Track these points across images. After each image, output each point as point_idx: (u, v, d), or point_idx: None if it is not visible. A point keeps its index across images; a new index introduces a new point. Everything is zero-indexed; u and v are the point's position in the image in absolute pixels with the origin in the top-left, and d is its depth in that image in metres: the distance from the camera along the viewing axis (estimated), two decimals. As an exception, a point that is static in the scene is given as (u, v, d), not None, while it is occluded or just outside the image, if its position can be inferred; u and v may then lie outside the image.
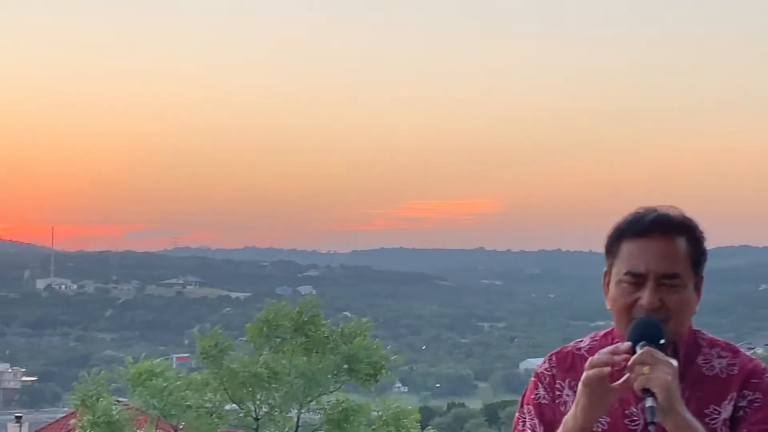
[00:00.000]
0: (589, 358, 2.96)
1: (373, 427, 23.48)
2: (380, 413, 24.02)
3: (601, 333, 3.32)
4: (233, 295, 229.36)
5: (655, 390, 2.82)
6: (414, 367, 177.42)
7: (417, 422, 24.21)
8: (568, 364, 3.25)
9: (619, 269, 3.12)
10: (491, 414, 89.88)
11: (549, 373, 3.26)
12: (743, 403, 3.11)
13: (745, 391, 3.12)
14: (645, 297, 3.04)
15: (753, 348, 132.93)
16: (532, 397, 3.24)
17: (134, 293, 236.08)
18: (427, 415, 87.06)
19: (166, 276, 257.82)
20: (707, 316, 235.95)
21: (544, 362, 3.30)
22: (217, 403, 24.00)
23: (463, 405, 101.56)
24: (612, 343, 3.13)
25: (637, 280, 3.07)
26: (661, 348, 2.93)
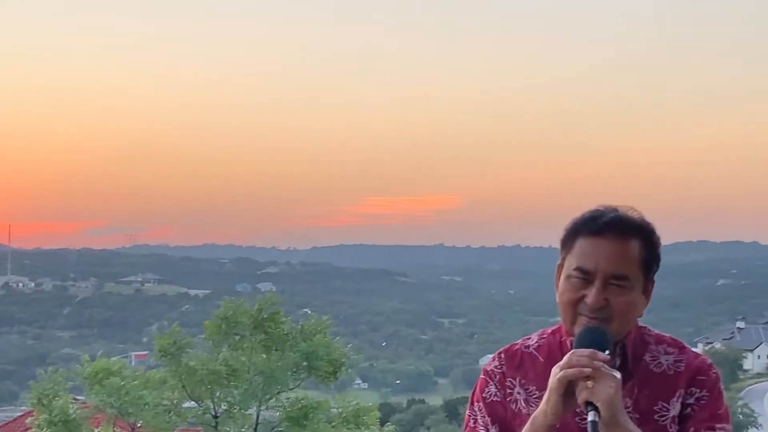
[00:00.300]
0: (567, 357, 2.91)
1: (332, 424, 23.42)
2: (340, 410, 23.98)
3: (549, 330, 3.32)
4: (192, 292, 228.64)
5: (598, 404, 2.82)
6: (374, 364, 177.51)
7: (376, 419, 24.20)
8: (518, 361, 3.24)
9: (570, 264, 3.13)
10: (451, 410, 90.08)
11: (499, 370, 3.24)
12: (691, 401, 3.13)
13: (692, 388, 3.14)
14: (591, 295, 3.05)
15: (711, 343, 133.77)
16: (483, 395, 3.23)
17: (92, 291, 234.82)
18: (387, 411, 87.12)
19: (124, 273, 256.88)
20: (666, 311, 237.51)
21: (494, 360, 3.27)
22: (176, 401, 23.85)
23: (423, 401, 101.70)
24: (561, 341, 3.21)
25: (586, 276, 3.07)
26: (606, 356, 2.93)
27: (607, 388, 2.82)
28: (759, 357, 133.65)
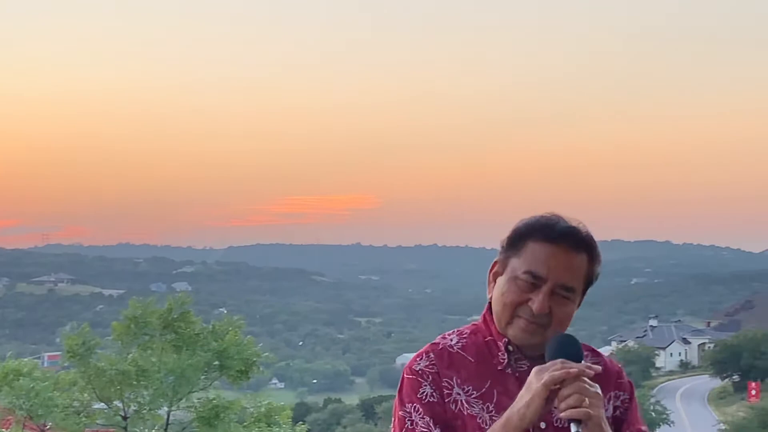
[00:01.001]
0: (560, 364, 2.88)
1: (244, 423, 23.32)
2: (252, 410, 23.88)
3: (467, 330, 3.27)
4: (106, 292, 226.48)
5: (588, 423, 2.83)
6: (291, 363, 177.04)
7: (288, 418, 24.12)
8: (448, 361, 3.18)
9: (518, 266, 3.12)
10: (368, 409, 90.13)
11: (431, 370, 3.15)
12: (617, 403, 3.21)
13: (617, 391, 3.22)
14: (537, 301, 3.06)
15: (625, 341, 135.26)
16: (417, 396, 3.12)
17: (4, 291, 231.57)
18: (303, 411, 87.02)
19: (37, 273, 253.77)
20: (580, 310, 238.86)
21: (422, 359, 3.18)
22: (85, 402, 23.55)
23: (339, 400, 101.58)
24: (484, 341, 3.19)
25: (535, 281, 3.08)
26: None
27: (597, 408, 2.85)
28: (671, 355, 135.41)
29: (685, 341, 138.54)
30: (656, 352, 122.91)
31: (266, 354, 24.39)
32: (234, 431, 22.39)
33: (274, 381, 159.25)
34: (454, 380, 3.13)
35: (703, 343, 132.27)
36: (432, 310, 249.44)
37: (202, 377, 23.59)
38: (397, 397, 3.18)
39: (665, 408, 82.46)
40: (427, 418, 3.08)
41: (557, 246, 3.10)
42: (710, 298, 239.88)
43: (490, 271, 3.22)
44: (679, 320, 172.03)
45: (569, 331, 3.13)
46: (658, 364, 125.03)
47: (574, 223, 3.16)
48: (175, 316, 23.59)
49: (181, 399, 23.26)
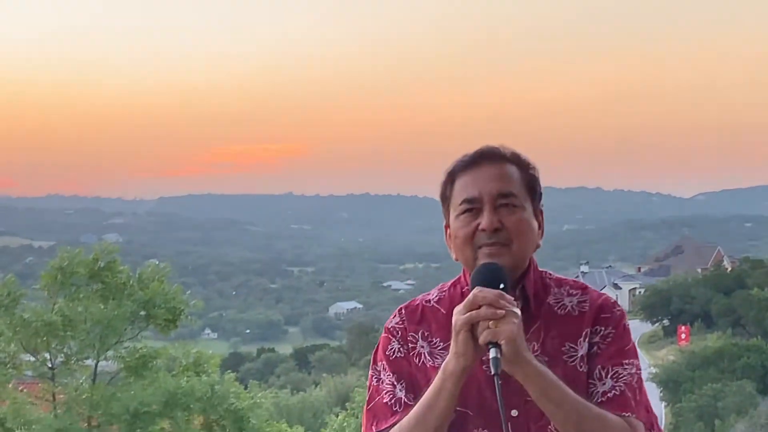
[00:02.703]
0: (472, 296, 2.83)
1: (173, 372, 23.21)
2: (180, 359, 23.78)
3: (448, 284, 3.26)
4: (36, 244, 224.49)
5: (501, 342, 2.77)
6: (223, 314, 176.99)
7: (217, 367, 24.06)
8: (419, 316, 3.19)
9: (455, 204, 3.10)
10: (301, 358, 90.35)
11: (401, 326, 3.17)
12: (596, 339, 3.10)
13: (597, 327, 3.11)
14: (484, 219, 3.01)
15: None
16: (386, 353, 3.16)
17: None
18: (236, 360, 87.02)
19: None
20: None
21: (394, 317, 3.20)
22: (12, 353, 23.29)
23: (273, 350, 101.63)
24: (461, 293, 3.14)
25: (473, 206, 3.05)
26: (504, 291, 2.88)
27: (509, 324, 2.78)
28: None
29: (616, 287, 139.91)
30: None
31: (194, 302, 24.22)
32: (162, 380, 22.25)
33: (207, 331, 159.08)
34: (420, 334, 3.14)
35: (634, 288, 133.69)
36: (365, 258, 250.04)
37: (130, 327, 23.41)
38: (372, 356, 3.23)
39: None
40: (391, 374, 3.12)
41: (479, 166, 3.10)
42: (641, 243, 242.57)
43: (445, 237, 3.16)
44: (610, 266, 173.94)
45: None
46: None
47: (491, 145, 3.15)
48: (102, 266, 23.35)
49: (108, 349, 23.08)
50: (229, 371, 24.31)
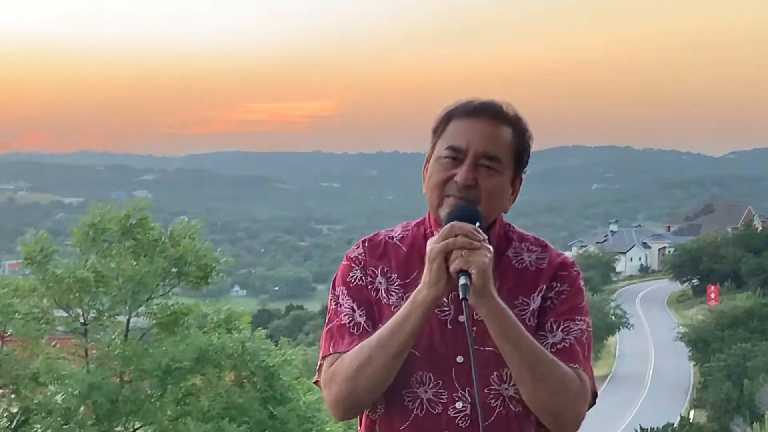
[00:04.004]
0: (447, 228, 2.88)
1: (204, 329, 23.30)
2: (211, 316, 23.86)
3: (413, 223, 3.29)
4: (66, 200, 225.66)
5: (472, 271, 2.82)
6: (252, 271, 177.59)
7: (248, 324, 24.15)
8: (381, 251, 3.22)
9: (441, 146, 3.11)
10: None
11: (363, 257, 3.20)
12: (551, 294, 3.13)
13: (553, 283, 3.14)
14: (460, 173, 3.04)
15: (585, 246, 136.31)
16: (347, 279, 3.19)
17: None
18: (265, 317, 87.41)
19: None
20: (541, 216, 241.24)
21: (357, 247, 3.24)
22: (45, 309, 23.42)
23: (301, 307, 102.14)
24: (426, 233, 3.18)
25: (456, 155, 3.06)
26: None
27: (482, 256, 2.83)
28: (631, 259, 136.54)
29: (646, 246, 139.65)
30: (616, 257, 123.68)
31: (225, 259, 24.30)
32: (194, 337, 22.35)
33: (236, 288, 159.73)
34: (379, 269, 3.16)
35: (663, 248, 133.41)
36: (394, 216, 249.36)
37: (161, 284, 23.49)
38: (332, 283, 3.24)
39: (625, 312, 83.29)
40: (351, 299, 3.14)
41: (476, 118, 3.10)
42: (670, 202, 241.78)
43: (424, 167, 3.20)
44: (640, 225, 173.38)
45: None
46: (618, 269, 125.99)
47: (497, 100, 3.15)
48: (134, 222, 23.40)
49: (140, 306, 23.17)
50: (258, 328, 24.37)
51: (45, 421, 21.70)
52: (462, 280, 2.82)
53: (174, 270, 23.33)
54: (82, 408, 22.03)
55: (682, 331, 71.58)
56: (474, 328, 2.94)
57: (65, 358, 23.05)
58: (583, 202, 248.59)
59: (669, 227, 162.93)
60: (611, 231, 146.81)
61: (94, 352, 23.12)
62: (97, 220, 23.32)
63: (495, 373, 3.03)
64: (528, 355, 2.93)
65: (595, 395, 3.11)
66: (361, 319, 3.11)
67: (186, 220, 25.23)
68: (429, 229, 3.18)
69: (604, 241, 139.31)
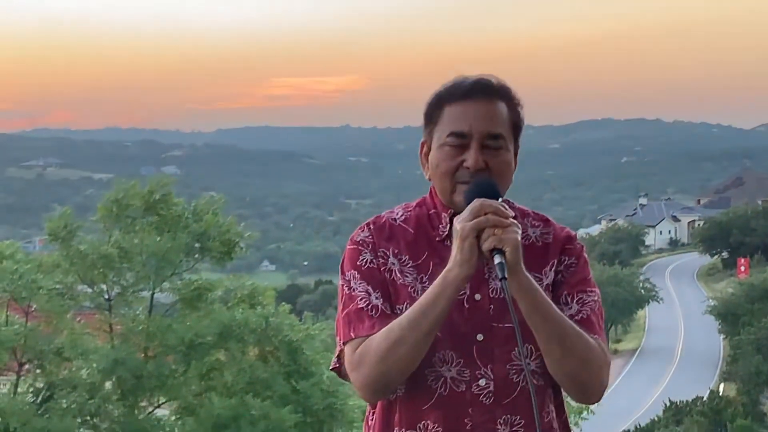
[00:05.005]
0: (478, 206, 2.89)
1: (228, 304, 23.34)
2: (235, 291, 23.90)
3: (413, 204, 3.30)
4: (96, 176, 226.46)
5: (506, 249, 2.84)
6: (281, 246, 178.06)
7: (272, 299, 24.17)
8: (387, 233, 3.20)
9: (441, 133, 3.11)
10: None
11: (370, 240, 3.18)
12: (561, 268, 3.18)
13: (563, 257, 3.19)
14: (470, 158, 3.04)
15: (615, 219, 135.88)
16: (357, 263, 3.16)
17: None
18: (294, 292, 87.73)
19: (25, 158, 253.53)
20: (571, 189, 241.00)
21: (363, 230, 3.22)
22: (69, 284, 23.54)
23: (330, 282, 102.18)
24: (429, 213, 3.21)
25: (461, 141, 3.07)
26: None
27: (513, 233, 2.86)
28: (660, 233, 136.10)
29: (675, 219, 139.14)
30: (646, 230, 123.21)
31: (248, 234, 24.29)
32: (217, 312, 22.39)
33: (266, 263, 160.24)
34: (390, 251, 3.15)
35: (693, 221, 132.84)
36: (422, 191, 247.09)
37: (185, 259, 23.54)
38: (340, 268, 3.20)
39: (654, 285, 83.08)
40: (365, 282, 3.11)
41: (471, 99, 3.09)
42: (700, 175, 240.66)
43: (420, 153, 3.22)
44: (669, 198, 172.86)
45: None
46: (647, 242, 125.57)
47: (483, 76, 3.14)
48: (157, 198, 23.45)
49: (163, 281, 23.24)
50: (284, 303, 24.40)
51: (70, 396, 21.85)
52: (497, 259, 2.84)
53: (197, 245, 23.38)
54: (107, 383, 22.15)
55: (712, 304, 71.25)
56: (491, 306, 3.04)
57: (90, 333, 23.17)
58: (612, 176, 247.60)
59: (699, 200, 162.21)
60: (641, 204, 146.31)
61: (119, 327, 23.24)
62: (120, 196, 23.42)
63: (513, 352, 3.04)
64: (557, 327, 2.96)
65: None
66: (378, 302, 3.09)
67: (212, 194, 25.28)
68: (433, 210, 3.20)
69: (633, 215, 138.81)
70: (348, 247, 3.20)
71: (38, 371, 22.87)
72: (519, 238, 2.87)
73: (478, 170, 3.04)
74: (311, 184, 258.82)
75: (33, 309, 23.37)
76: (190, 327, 21.89)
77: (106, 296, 23.51)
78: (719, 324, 69.32)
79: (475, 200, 2.91)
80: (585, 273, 3.20)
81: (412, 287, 3.09)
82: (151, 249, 22.62)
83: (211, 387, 22.50)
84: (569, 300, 3.13)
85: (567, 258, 3.19)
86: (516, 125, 3.14)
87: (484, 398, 3.05)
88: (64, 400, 21.93)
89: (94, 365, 21.50)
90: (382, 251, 3.15)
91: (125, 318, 23.00)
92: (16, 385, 22.77)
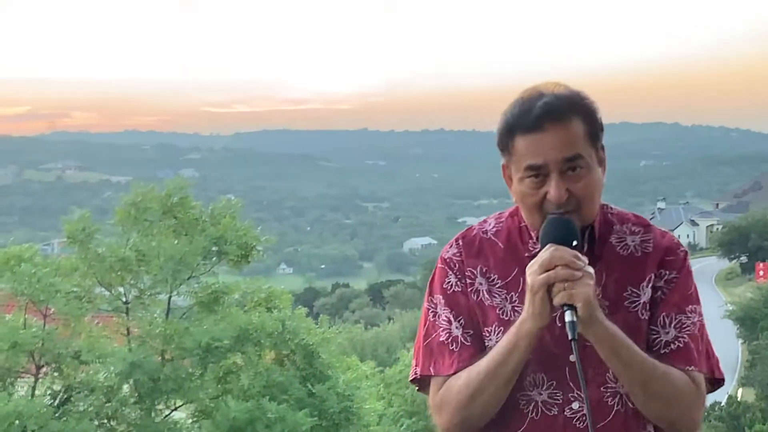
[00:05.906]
0: (548, 255, 2.82)
1: (245, 308, 23.36)
2: (252, 294, 23.91)
3: (506, 213, 3.20)
4: (114, 179, 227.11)
5: (578, 305, 2.78)
6: (299, 249, 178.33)
7: (289, 303, 24.19)
8: (477, 248, 3.13)
9: (518, 165, 3.00)
10: (375, 293, 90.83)
11: (458, 258, 3.12)
12: (660, 284, 3.05)
13: (662, 270, 3.06)
14: (552, 190, 2.93)
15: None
16: (443, 286, 3.11)
17: (12, 178, 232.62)
18: (311, 295, 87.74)
19: (44, 161, 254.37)
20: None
21: (452, 247, 3.15)
22: (87, 287, 23.55)
23: (347, 285, 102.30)
24: (520, 226, 3.10)
25: (539, 172, 2.95)
26: (575, 249, 2.86)
27: (585, 287, 2.78)
28: (679, 237, 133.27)
29: (693, 223, 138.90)
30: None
31: (265, 237, 24.30)
32: (234, 315, 22.40)
33: (283, 266, 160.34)
34: (478, 269, 3.09)
35: (711, 225, 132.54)
36: (439, 194, 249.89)
37: (202, 262, 23.55)
38: (428, 286, 3.18)
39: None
40: (449, 310, 3.07)
41: (541, 130, 2.94)
42: (719, 179, 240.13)
43: (504, 175, 3.10)
44: (688, 202, 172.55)
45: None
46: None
47: (548, 95, 2.97)
48: (174, 201, 23.48)
49: (181, 284, 23.25)
50: (301, 306, 24.43)
51: (87, 399, 21.86)
52: (568, 317, 2.78)
53: (215, 249, 23.40)
54: (124, 386, 22.18)
55: (730, 308, 71.04)
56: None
57: (107, 336, 23.16)
58: (630, 180, 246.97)
59: (717, 204, 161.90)
60: (659, 208, 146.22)
61: (136, 330, 23.24)
62: (138, 200, 23.43)
63: (607, 373, 2.98)
64: (639, 374, 2.89)
65: (721, 381, 3.15)
66: (458, 332, 3.05)
67: (229, 198, 25.30)
68: (524, 223, 3.09)
69: (651, 219, 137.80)
70: (438, 265, 3.15)
71: (56, 374, 22.85)
72: (591, 291, 2.78)
73: (562, 201, 2.93)
74: (328, 188, 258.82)
75: (51, 312, 23.40)
76: (206, 330, 21.87)
77: (124, 299, 23.51)
78: (737, 329, 69.12)
79: (546, 249, 2.83)
80: (686, 288, 3.07)
81: (500, 308, 3.03)
82: (169, 252, 22.61)
83: (227, 390, 22.49)
84: (666, 323, 3.02)
85: (667, 272, 3.06)
86: (593, 133, 3.01)
87: (578, 422, 2.97)
88: (82, 403, 21.93)
89: (112, 368, 21.50)
90: (470, 270, 3.09)
91: (142, 321, 22.99)
92: (34, 388, 22.77)
